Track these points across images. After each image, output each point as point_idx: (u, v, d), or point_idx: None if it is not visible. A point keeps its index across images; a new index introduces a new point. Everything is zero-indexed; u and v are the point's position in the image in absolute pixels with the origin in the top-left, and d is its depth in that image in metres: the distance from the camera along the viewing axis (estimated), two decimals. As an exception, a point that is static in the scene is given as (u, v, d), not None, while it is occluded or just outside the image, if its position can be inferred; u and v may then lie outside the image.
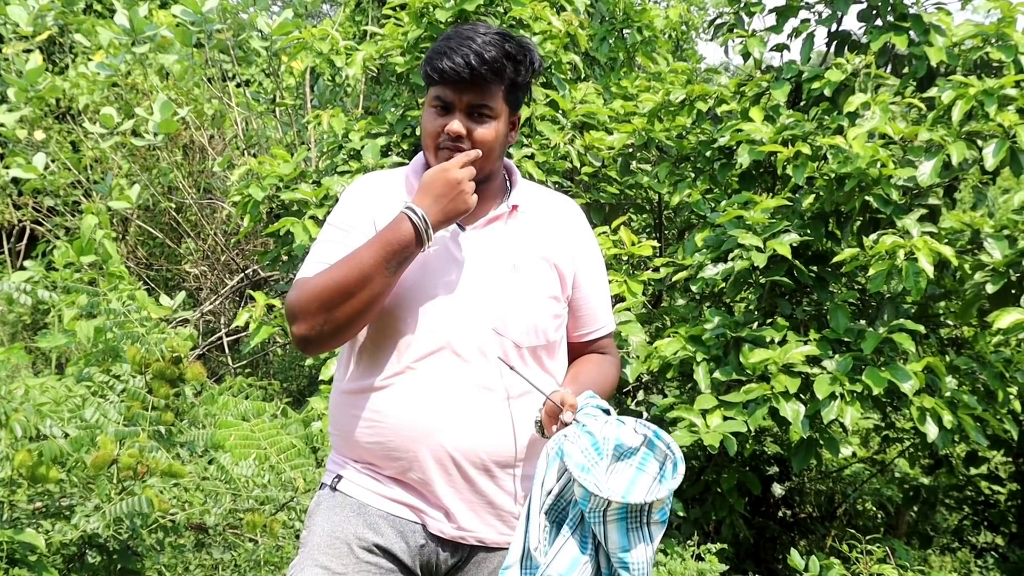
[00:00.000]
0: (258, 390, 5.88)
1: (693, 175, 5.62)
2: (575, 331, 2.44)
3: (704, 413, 4.54)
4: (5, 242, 9.42)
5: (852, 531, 5.32)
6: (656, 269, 5.37)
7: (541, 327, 2.26)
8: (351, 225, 2.26)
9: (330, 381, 4.73)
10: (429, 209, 2.10)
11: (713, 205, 5.33)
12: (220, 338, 7.94)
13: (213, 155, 8.33)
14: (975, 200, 5.11)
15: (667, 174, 5.57)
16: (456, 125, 2.19)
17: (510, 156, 5.49)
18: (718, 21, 6.15)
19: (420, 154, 2.40)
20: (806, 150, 4.79)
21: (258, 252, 8.08)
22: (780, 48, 6.04)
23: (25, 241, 9.40)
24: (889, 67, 5.62)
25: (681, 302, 5.87)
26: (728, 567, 4.73)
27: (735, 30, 5.90)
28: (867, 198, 4.68)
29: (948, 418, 4.41)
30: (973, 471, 6.55)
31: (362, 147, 5.95)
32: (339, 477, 2.29)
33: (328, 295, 2.11)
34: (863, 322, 4.85)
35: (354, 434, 2.25)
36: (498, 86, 2.21)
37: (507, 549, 2.19)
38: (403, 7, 6.31)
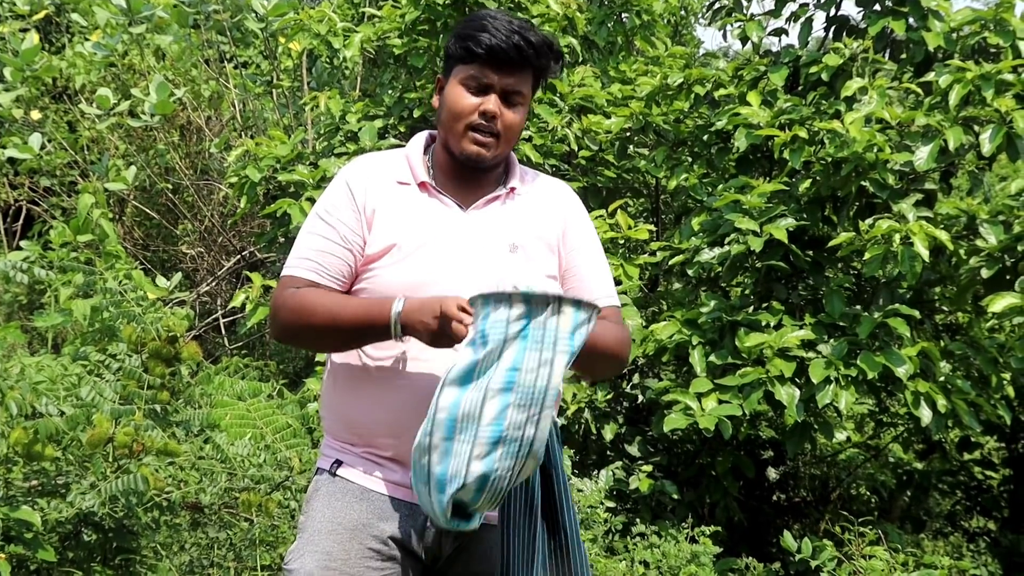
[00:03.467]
0: (254, 370, 5.88)
1: (690, 159, 5.62)
2: None
3: (699, 396, 4.56)
4: (1, 222, 9.40)
5: (846, 515, 5.34)
6: (653, 253, 5.37)
7: None
8: (337, 219, 2.25)
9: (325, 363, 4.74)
10: (409, 317, 2.05)
11: (710, 189, 5.33)
12: (217, 319, 7.94)
13: (210, 136, 8.31)
14: (971, 185, 5.12)
15: (664, 158, 5.57)
16: (493, 105, 2.17)
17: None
18: (716, 5, 6.14)
19: (421, 135, 2.38)
20: (803, 134, 4.80)
21: (255, 233, 8.07)
22: (778, 32, 6.04)
23: (21, 221, 9.38)
24: (887, 52, 5.62)
25: (677, 286, 5.88)
26: (722, 550, 4.74)
27: (733, 14, 5.90)
28: (863, 183, 4.69)
29: (942, 403, 4.43)
30: (966, 456, 6.58)
31: (359, 129, 5.95)
32: (338, 462, 2.26)
33: (303, 321, 2.20)
34: (858, 307, 4.87)
35: (353, 414, 2.24)
36: (531, 72, 2.22)
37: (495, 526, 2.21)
38: (401, -12, 6.29)
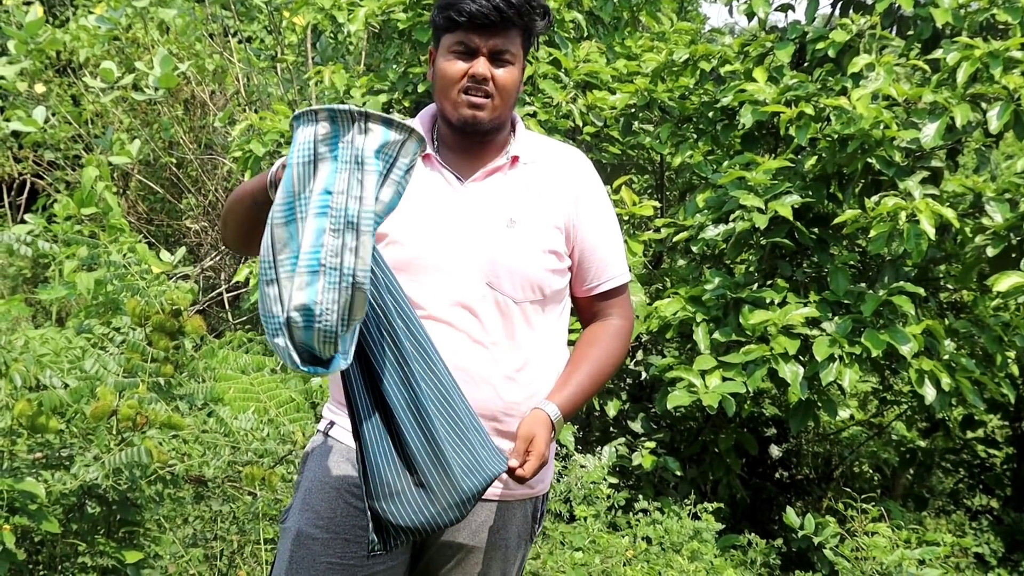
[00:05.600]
0: (258, 344, 5.88)
1: (695, 136, 5.60)
2: (582, 285, 2.38)
3: (703, 374, 4.55)
4: (5, 195, 9.40)
5: (848, 492, 5.35)
6: (657, 230, 5.36)
7: (536, 282, 2.23)
8: None
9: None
10: (276, 171, 2.00)
11: (715, 166, 5.32)
12: (220, 294, 7.94)
13: (214, 110, 8.29)
14: (978, 163, 5.10)
15: (669, 135, 5.56)
16: (482, 67, 2.18)
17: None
18: (723, -20, 6.10)
19: (429, 108, 2.38)
20: (809, 111, 4.78)
21: (259, 208, 8.04)
22: (785, 8, 6.00)
23: (26, 195, 9.38)
24: (894, 28, 5.59)
25: (682, 263, 5.87)
26: (724, 526, 4.76)
27: (740, -11, 5.87)
28: (869, 160, 4.67)
29: (946, 381, 4.43)
30: (970, 434, 6.58)
31: (363, 104, 5.93)
32: (332, 424, 2.31)
33: (226, 206, 2.23)
34: (863, 284, 4.86)
35: None
36: (518, 31, 2.22)
37: (490, 501, 2.24)
38: (406, -37, 6.26)
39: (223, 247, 8.06)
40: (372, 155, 1.75)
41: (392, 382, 1.97)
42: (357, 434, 1.99)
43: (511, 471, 2.08)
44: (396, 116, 1.80)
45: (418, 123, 2.35)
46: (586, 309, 2.44)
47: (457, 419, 2.02)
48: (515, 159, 2.30)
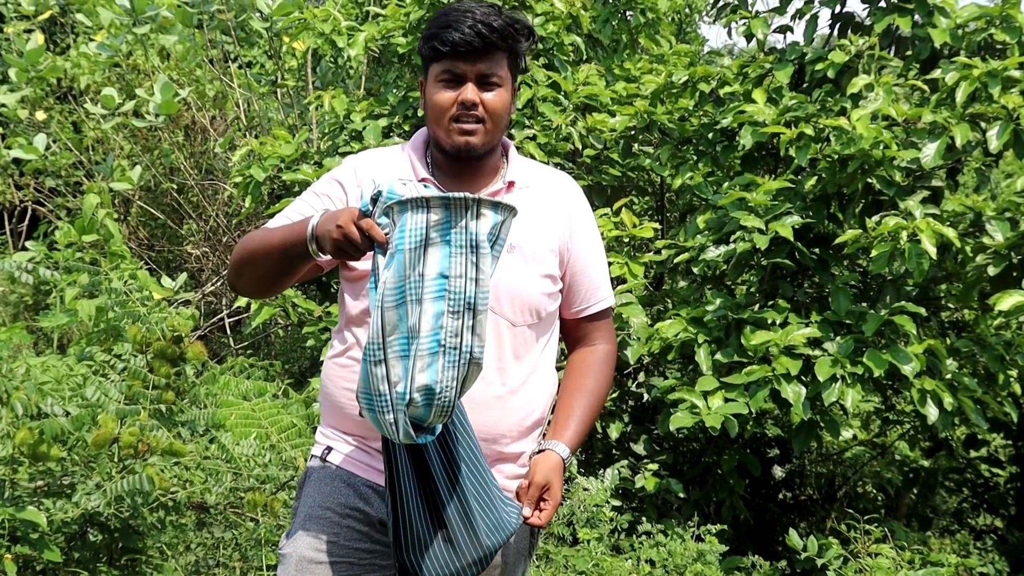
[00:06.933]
0: (259, 370, 5.88)
1: (695, 157, 5.60)
2: (571, 307, 2.42)
3: (705, 395, 4.55)
4: (7, 222, 9.42)
5: (852, 512, 5.33)
6: (658, 251, 5.36)
7: (535, 306, 2.27)
8: (325, 192, 2.32)
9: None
10: (319, 229, 2.02)
11: (715, 187, 5.32)
12: (222, 319, 7.94)
13: (215, 136, 8.32)
14: (978, 182, 5.10)
15: (669, 156, 5.56)
16: (470, 93, 2.21)
17: (511, 137, 5.48)
18: (721, 2, 6.11)
19: (421, 131, 2.40)
20: (809, 132, 4.78)
21: (260, 233, 8.04)
22: (783, 29, 6.01)
23: (27, 222, 9.40)
24: (893, 49, 5.60)
25: (683, 284, 5.87)
26: (728, 548, 4.74)
27: (738, 11, 5.88)
28: (870, 180, 4.67)
29: (948, 400, 4.42)
30: (973, 454, 6.56)
31: (364, 128, 5.94)
32: (329, 449, 2.32)
33: (244, 252, 2.26)
34: (864, 304, 4.85)
35: (344, 405, 2.27)
36: (503, 54, 2.25)
37: None
38: (405, -13, 6.28)
39: (224, 273, 8.06)
40: (485, 238, 1.86)
41: (433, 446, 2.04)
42: (393, 489, 2.05)
43: (526, 519, 2.16)
44: (500, 199, 1.90)
45: (410, 147, 2.37)
46: (573, 331, 2.48)
47: (483, 478, 2.09)
48: (511, 184, 2.32)
